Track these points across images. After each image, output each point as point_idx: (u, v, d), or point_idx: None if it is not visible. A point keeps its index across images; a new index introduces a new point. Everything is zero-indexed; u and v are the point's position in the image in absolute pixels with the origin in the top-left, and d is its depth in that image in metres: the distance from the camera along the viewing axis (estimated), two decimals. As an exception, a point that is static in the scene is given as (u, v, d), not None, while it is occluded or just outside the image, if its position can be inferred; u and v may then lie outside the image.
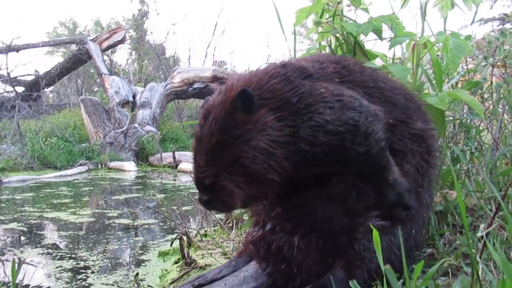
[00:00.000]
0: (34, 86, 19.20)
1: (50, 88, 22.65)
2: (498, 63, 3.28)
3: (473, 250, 1.79)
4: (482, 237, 1.73)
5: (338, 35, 2.74)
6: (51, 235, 5.45)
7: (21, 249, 4.71)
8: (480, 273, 1.59)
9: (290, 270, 1.99)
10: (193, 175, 1.84)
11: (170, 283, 2.89)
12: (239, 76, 1.94)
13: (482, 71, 3.22)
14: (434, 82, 2.81)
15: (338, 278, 1.84)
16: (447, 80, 3.08)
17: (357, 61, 2.16)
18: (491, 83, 3.05)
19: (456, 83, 3.16)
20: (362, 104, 1.82)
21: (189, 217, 5.90)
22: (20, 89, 19.27)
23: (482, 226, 1.56)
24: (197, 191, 1.86)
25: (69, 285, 3.55)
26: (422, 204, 2.07)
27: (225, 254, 3.12)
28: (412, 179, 1.99)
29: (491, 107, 3.14)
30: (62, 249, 4.72)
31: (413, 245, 2.05)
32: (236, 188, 1.73)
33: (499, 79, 3.23)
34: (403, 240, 1.94)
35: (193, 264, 3.02)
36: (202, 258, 3.18)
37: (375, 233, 1.30)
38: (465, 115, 3.08)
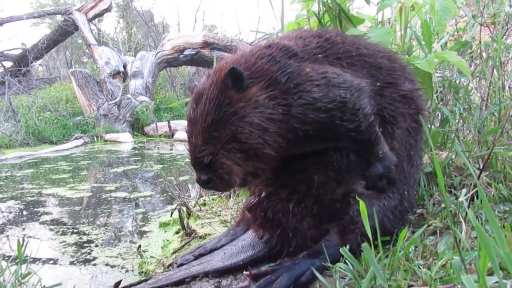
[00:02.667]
0: (22, 60, 18.87)
1: (39, 62, 22.26)
2: (488, 21, 3.27)
3: (457, 212, 1.87)
4: (467, 199, 1.80)
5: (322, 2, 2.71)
6: (52, 210, 5.53)
7: (23, 226, 4.80)
8: (464, 233, 1.67)
9: (286, 235, 2.08)
10: (189, 157, 1.88)
11: (172, 253, 2.99)
12: (226, 59, 2.00)
13: (471, 29, 3.21)
14: (423, 43, 2.82)
15: (333, 243, 1.92)
16: (437, 40, 3.08)
17: (338, 32, 2.19)
18: (480, 42, 3.05)
19: (446, 43, 3.16)
20: (346, 79, 1.87)
21: (188, 185, 6.00)
22: (7, 64, 18.93)
23: (464, 190, 1.63)
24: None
25: (74, 258, 3.66)
26: (413, 166, 2.15)
27: (224, 223, 3.22)
28: (403, 144, 2.05)
29: (480, 66, 3.15)
30: (64, 224, 4.81)
31: (408, 206, 2.14)
32: (234, 165, 1.78)
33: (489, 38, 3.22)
34: (398, 202, 2.04)
35: (193, 234, 3.12)
36: (202, 227, 3.27)
37: (361, 202, 1.36)
38: (454, 75, 3.10)
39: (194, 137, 1.81)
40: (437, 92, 3.06)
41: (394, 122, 2.04)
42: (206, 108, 1.78)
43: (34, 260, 3.62)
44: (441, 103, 3.04)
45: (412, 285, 1.40)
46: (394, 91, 2.08)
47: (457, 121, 2.98)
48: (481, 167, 2.28)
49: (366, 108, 1.88)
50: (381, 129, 2.01)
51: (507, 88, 3.14)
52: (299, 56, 1.91)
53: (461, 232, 1.65)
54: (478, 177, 2.10)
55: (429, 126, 2.94)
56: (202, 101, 1.81)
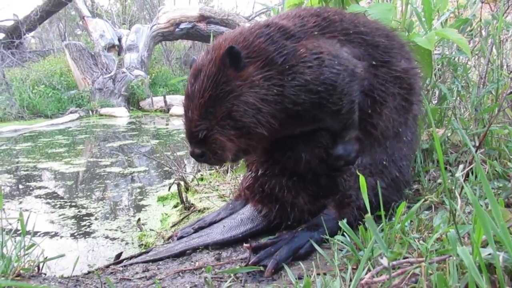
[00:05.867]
0: (15, 32, 18.53)
1: (32, 34, 21.86)
2: (489, -2, 3.25)
3: (453, 187, 1.92)
4: (462, 174, 1.84)
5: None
6: (48, 184, 5.56)
7: (20, 199, 4.83)
8: (459, 207, 1.72)
9: (284, 209, 2.14)
10: (185, 131, 1.92)
11: (171, 226, 3.05)
12: (225, 35, 2.01)
13: (472, 6, 3.20)
14: (424, 20, 2.81)
15: (331, 217, 1.98)
16: (437, 17, 3.07)
17: (337, 11, 2.19)
18: (480, 19, 3.04)
19: (446, 20, 3.14)
20: (340, 62, 1.90)
21: (185, 161, 6.02)
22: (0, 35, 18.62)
23: (461, 166, 1.66)
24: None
25: (74, 231, 3.71)
26: (401, 141, 2.17)
27: (222, 197, 3.26)
28: (390, 122, 2.09)
29: (479, 44, 3.15)
30: (62, 198, 4.85)
31: (400, 177, 2.17)
32: (227, 141, 1.84)
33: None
34: (381, 169, 2.09)
35: (192, 208, 3.17)
36: (200, 201, 3.32)
37: (361, 177, 1.39)
38: (453, 53, 3.10)
39: (191, 112, 1.85)
40: (435, 69, 3.06)
41: (383, 102, 2.08)
42: (204, 84, 1.82)
43: (35, 233, 3.66)
44: (439, 80, 3.05)
45: (407, 257, 1.45)
46: (388, 71, 2.11)
47: (454, 98, 3.01)
48: (477, 144, 2.32)
49: (352, 94, 1.94)
50: (370, 109, 2.05)
51: (505, 66, 3.15)
52: (296, 36, 1.93)
53: (454, 209, 1.70)
54: (476, 151, 2.14)
55: (427, 102, 2.96)
56: (200, 77, 1.84)
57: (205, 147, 1.85)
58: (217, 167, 4.14)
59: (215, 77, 1.81)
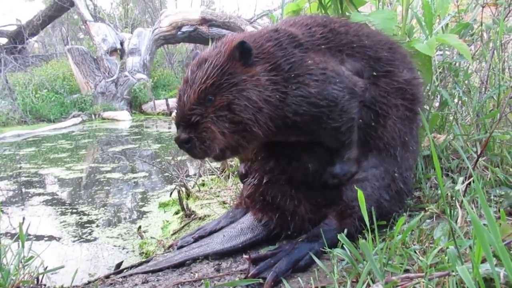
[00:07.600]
0: (17, 37, 18.63)
1: (34, 38, 21.96)
2: (490, 2, 3.23)
3: (454, 197, 1.90)
4: (464, 179, 1.82)
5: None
6: (51, 190, 5.57)
7: (21, 205, 4.83)
8: (459, 217, 1.70)
9: (285, 218, 2.12)
10: (176, 114, 1.86)
11: (172, 234, 3.04)
12: (234, 35, 2.02)
13: (473, 11, 3.18)
14: (424, 24, 2.79)
15: (331, 228, 1.97)
16: (438, 21, 3.05)
17: (342, 22, 2.19)
18: (481, 24, 3.02)
19: (447, 24, 3.12)
20: (342, 80, 1.91)
21: (186, 165, 6.01)
22: (3, 40, 18.72)
23: (460, 179, 1.64)
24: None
25: (76, 239, 3.71)
26: (408, 150, 2.17)
27: (223, 204, 3.25)
28: (396, 132, 2.09)
29: (480, 49, 3.12)
30: (63, 204, 4.85)
31: (404, 188, 2.16)
32: (219, 133, 1.78)
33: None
34: (390, 181, 2.08)
35: (193, 215, 3.16)
36: (201, 208, 3.31)
37: (359, 191, 1.38)
38: (454, 57, 3.08)
39: (187, 96, 1.80)
40: (436, 72, 3.04)
41: (386, 114, 2.09)
42: (208, 71, 1.80)
43: (36, 240, 3.67)
44: (440, 85, 3.03)
45: (408, 270, 1.43)
46: (390, 82, 2.11)
47: (456, 104, 2.98)
48: (479, 152, 2.30)
49: (352, 112, 1.95)
50: (373, 122, 2.05)
51: (507, 70, 3.12)
52: (304, 46, 1.94)
53: (457, 216, 1.68)
54: (476, 162, 2.12)
55: (428, 108, 2.94)
56: (205, 65, 1.83)
57: (194, 133, 1.77)
58: (219, 168, 4.14)
59: (222, 66, 1.80)
